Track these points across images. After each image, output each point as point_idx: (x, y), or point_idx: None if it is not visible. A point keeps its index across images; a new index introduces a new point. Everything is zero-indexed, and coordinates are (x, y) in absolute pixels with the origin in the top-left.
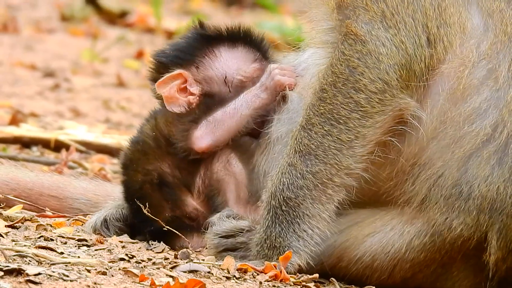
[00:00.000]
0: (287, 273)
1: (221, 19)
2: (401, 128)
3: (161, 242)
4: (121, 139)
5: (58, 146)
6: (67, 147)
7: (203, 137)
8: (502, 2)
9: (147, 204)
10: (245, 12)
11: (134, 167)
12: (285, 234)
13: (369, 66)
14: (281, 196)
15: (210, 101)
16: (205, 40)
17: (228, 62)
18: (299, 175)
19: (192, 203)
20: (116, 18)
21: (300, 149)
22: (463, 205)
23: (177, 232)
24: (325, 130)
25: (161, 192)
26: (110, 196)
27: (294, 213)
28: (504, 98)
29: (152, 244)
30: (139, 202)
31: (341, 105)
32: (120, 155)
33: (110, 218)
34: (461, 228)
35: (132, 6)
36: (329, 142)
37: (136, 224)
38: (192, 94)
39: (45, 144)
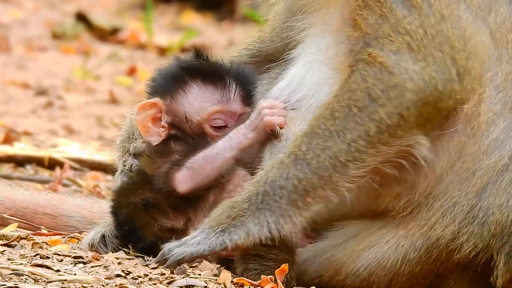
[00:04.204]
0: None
1: (212, 33)
2: (402, 161)
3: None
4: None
5: (52, 164)
6: (61, 165)
7: (182, 182)
8: None
9: (135, 225)
10: (236, 26)
11: (122, 198)
12: (248, 214)
13: (391, 99)
14: (262, 188)
15: (187, 140)
16: (183, 73)
17: (191, 101)
18: (284, 175)
19: (184, 217)
20: (108, 35)
21: (296, 152)
22: (475, 229)
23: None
24: (325, 144)
25: (147, 212)
26: (105, 213)
27: (267, 206)
28: None
29: (148, 260)
30: (128, 224)
31: (350, 129)
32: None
33: (108, 235)
34: (470, 250)
35: (124, 22)
36: (325, 156)
37: (128, 243)
38: (162, 126)
39: (39, 162)
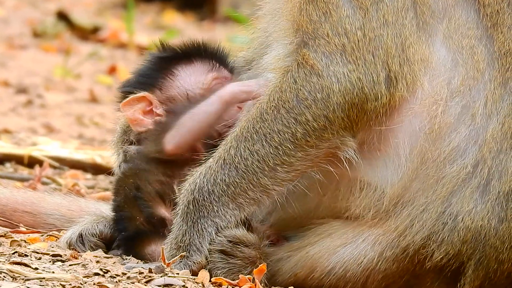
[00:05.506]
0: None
1: (193, 33)
2: (331, 165)
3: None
4: (95, 155)
5: (32, 162)
6: (40, 163)
7: (169, 141)
8: (472, 39)
9: (124, 214)
10: (217, 26)
11: (120, 186)
12: (189, 232)
13: (317, 101)
14: (191, 197)
15: (178, 109)
16: (163, 62)
17: (187, 79)
18: (212, 180)
19: (163, 212)
20: (89, 34)
21: (224, 157)
22: (446, 235)
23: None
24: (254, 148)
25: (135, 203)
26: (84, 211)
27: (200, 213)
28: (483, 136)
29: (126, 259)
30: (120, 212)
31: (277, 132)
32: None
33: (85, 234)
34: (441, 257)
35: (104, 21)
36: (253, 160)
37: (115, 233)
38: (158, 115)
39: (18, 160)
